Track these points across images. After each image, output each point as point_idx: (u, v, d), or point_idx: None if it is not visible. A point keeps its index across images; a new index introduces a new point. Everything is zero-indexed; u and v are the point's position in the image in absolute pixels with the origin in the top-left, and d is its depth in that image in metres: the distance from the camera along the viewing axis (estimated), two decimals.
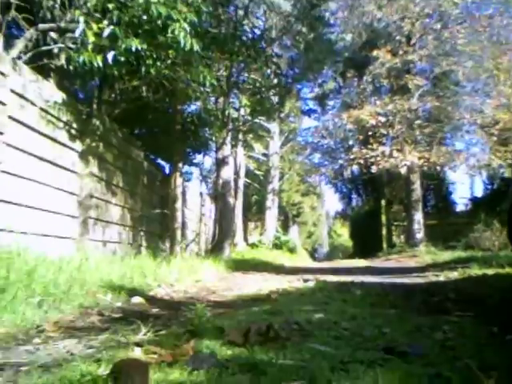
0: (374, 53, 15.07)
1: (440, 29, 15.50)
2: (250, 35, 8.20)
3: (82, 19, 4.91)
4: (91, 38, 4.85)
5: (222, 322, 2.44)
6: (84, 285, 3.86)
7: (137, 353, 1.88)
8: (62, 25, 5.51)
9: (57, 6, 5.73)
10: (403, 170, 16.76)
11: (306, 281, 5.61)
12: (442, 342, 2.12)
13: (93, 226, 6.17)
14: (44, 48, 5.56)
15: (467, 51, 15.42)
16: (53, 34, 5.89)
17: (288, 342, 2.01)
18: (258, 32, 8.73)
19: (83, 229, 5.98)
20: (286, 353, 1.83)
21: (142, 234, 8.40)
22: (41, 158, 4.98)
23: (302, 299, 3.86)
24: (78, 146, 5.92)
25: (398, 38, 15.87)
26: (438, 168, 16.46)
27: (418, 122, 16.43)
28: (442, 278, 6.48)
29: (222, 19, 7.54)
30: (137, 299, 3.99)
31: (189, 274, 6.45)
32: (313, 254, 31.76)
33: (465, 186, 73.54)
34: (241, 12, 7.94)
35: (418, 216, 17.64)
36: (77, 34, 4.95)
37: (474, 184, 28.85)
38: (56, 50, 5.94)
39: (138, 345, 2.01)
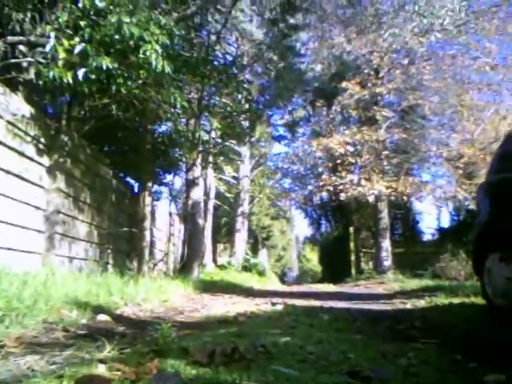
0: (343, 84, 15.52)
1: (407, 64, 16.10)
2: (222, 60, 8.38)
3: (52, 34, 4.95)
4: (62, 54, 4.90)
5: (188, 343, 2.45)
6: (49, 300, 3.81)
7: (100, 369, 1.89)
8: (32, 39, 5.55)
9: (27, 19, 5.76)
10: (371, 199, 17.10)
11: (274, 304, 5.64)
12: (405, 367, 2.18)
13: (59, 242, 6.13)
14: (13, 61, 5.57)
15: (433, 87, 16.09)
16: (22, 48, 5.91)
17: (253, 364, 2.04)
18: (229, 58, 8.93)
19: (49, 244, 5.93)
20: (251, 374, 1.86)
21: (109, 251, 8.34)
22: (7, 172, 4.96)
23: (269, 322, 3.88)
24: (46, 160, 5.92)
25: (366, 70, 16.37)
26: (405, 198, 16.83)
27: (385, 152, 16.85)
28: (408, 306, 6.57)
29: (195, 43, 7.71)
30: (102, 317, 3.96)
31: (156, 294, 6.40)
32: (282, 277, 31.76)
33: (432, 216, 74.95)
34: (213, 37, 8.13)
35: (386, 244, 17.95)
36: (47, 49, 4.99)
37: (441, 214, 29.45)
38: (25, 64, 5.94)
39: (101, 362, 2.02)
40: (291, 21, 8.20)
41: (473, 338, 3.23)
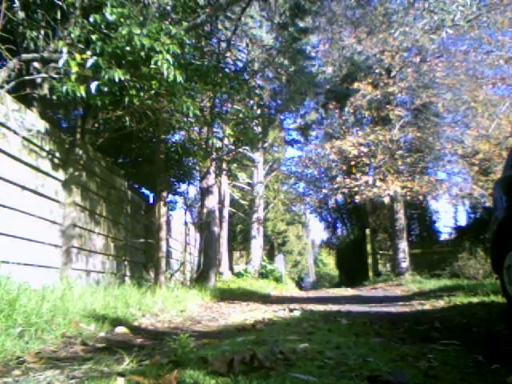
0: (355, 85, 15.44)
1: (419, 62, 15.98)
2: (233, 67, 8.35)
3: (65, 50, 4.98)
4: (74, 69, 4.91)
5: (206, 352, 2.43)
6: (67, 314, 3.83)
7: (119, 383, 1.87)
8: (45, 55, 5.58)
9: (40, 36, 5.81)
10: (387, 200, 16.95)
11: (291, 310, 5.60)
12: (425, 370, 2.13)
13: (76, 256, 6.13)
14: (27, 78, 5.61)
15: (446, 84, 15.95)
16: (36, 64, 5.97)
17: (272, 372, 2.01)
18: (240, 64, 8.89)
19: (66, 258, 5.93)
20: (270, 382, 1.84)
21: (125, 263, 8.34)
22: (23, 187, 4.98)
23: (287, 329, 3.86)
24: (61, 175, 5.94)
25: (378, 70, 16.32)
26: (421, 197, 16.67)
27: (399, 152, 16.73)
28: (427, 307, 6.52)
29: (205, 51, 7.71)
30: (121, 329, 3.97)
31: (173, 304, 6.41)
32: (299, 283, 31.64)
33: (448, 215, 74.47)
34: (224, 44, 8.12)
35: (403, 245, 17.77)
36: (60, 64, 5.01)
37: (458, 213, 29.16)
38: (39, 80, 6.00)
39: (121, 375, 2.00)
40: (301, 24, 8.17)
41: (494, 339, 3.16)
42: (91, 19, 5.17)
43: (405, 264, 17.43)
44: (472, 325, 3.84)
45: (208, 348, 2.71)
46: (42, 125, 5.42)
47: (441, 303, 6.76)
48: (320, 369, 2.10)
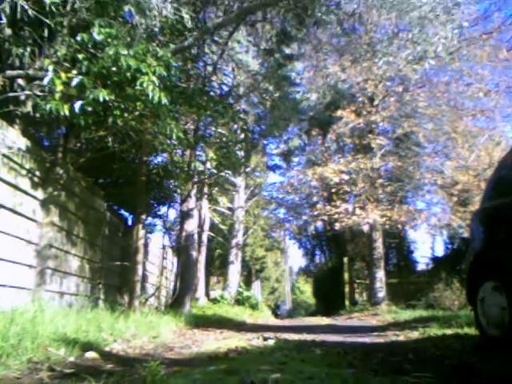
0: (338, 112, 15.63)
1: (401, 91, 16.32)
2: (218, 91, 8.40)
3: (51, 68, 4.93)
4: (59, 87, 4.85)
5: (176, 381, 2.39)
6: (36, 338, 3.68)
7: None
8: (31, 72, 5.51)
9: (26, 53, 5.74)
10: (366, 228, 17.05)
11: (265, 339, 5.55)
12: None
13: (50, 277, 5.96)
14: (11, 94, 5.53)
15: (427, 114, 16.30)
16: (20, 81, 5.89)
17: None
18: (225, 88, 8.96)
19: (40, 279, 5.76)
20: None
21: (100, 286, 8.16)
22: (0, 205, 4.84)
23: (260, 358, 3.82)
24: (40, 194, 5.81)
25: (361, 98, 16.61)
26: (400, 226, 16.84)
27: (380, 180, 16.91)
28: (401, 338, 6.52)
29: (191, 74, 7.73)
30: (91, 354, 3.86)
31: (147, 330, 6.28)
32: (275, 310, 31.40)
33: (426, 245, 75.14)
34: (210, 68, 8.17)
35: (380, 274, 17.79)
36: (45, 82, 4.95)
37: (435, 243, 29.44)
38: (23, 97, 5.91)
39: None
40: (286, 51, 8.28)
41: (466, 371, 3.15)
42: (78, 38, 5.14)
43: (381, 294, 17.44)
44: (445, 357, 3.84)
45: (178, 376, 2.68)
46: (24, 142, 5.31)
47: (415, 334, 6.77)
48: None
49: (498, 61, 15.32)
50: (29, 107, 5.97)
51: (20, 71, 5.58)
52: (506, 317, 4.19)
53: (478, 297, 4.69)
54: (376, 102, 17.04)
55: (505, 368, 3.18)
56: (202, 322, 9.47)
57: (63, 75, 4.96)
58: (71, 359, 3.58)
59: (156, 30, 6.23)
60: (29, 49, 5.79)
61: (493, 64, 15.48)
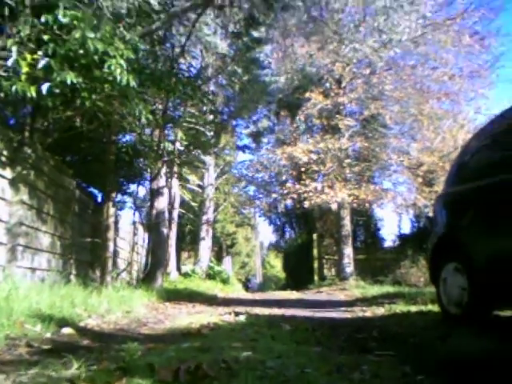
0: (307, 94, 15.80)
1: (369, 74, 16.56)
2: (187, 73, 8.45)
3: (14, 48, 4.88)
4: (25, 69, 4.85)
5: (153, 359, 2.48)
6: (11, 315, 3.79)
7: None
8: None
9: None
10: (334, 206, 17.43)
11: (237, 314, 5.63)
12: (358, 382, 2.27)
13: (21, 254, 6.09)
14: None
15: (394, 96, 16.61)
16: None
17: (215, 382, 2.12)
18: (194, 70, 9.01)
19: (11, 256, 5.88)
20: None
21: (72, 262, 8.29)
22: None
23: (231, 335, 3.91)
24: (9, 173, 5.89)
25: (329, 81, 16.78)
26: (367, 205, 17.24)
27: (347, 160, 17.22)
28: (368, 314, 6.69)
29: (159, 56, 7.77)
30: (67, 330, 3.95)
31: (120, 305, 6.42)
32: (246, 284, 31.85)
33: (393, 223, 76.64)
34: (177, 50, 8.21)
35: (348, 250, 18.26)
36: (9, 63, 4.93)
37: (402, 221, 30.16)
38: None
39: (70, 381, 2.04)
40: (255, 34, 8.37)
41: (424, 349, 3.31)
42: (43, 19, 5.05)
43: (349, 269, 17.93)
44: (408, 335, 3.98)
45: (154, 354, 2.76)
46: None
47: (381, 310, 6.96)
48: (260, 379, 2.21)
49: (462, 46, 15.69)
50: None
51: None
52: (465, 297, 4.50)
53: (440, 277, 4.96)
54: (343, 84, 17.24)
55: (462, 347, 3.34)
56: (174, 296, 9.58)
57: (28, 56, 4.94)
58: (48, 335, 3.67)
59: (123, 12, 6.26)
60: None
61: (456, 49, 15.85)
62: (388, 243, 24.15)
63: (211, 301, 9.68)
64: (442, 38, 15.14)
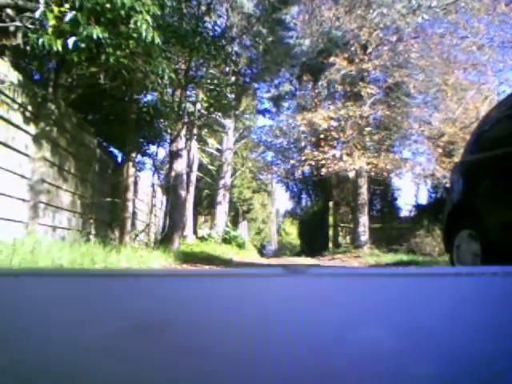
0: (331, 59, 15.47)
1: (395, 41, 16.12)
2: (211, 32, 8.29)
3: (42, 0, 4.86)
4: (52, 22, 4.80)
5: None
6: None
7: None
8: (20, 2, 5.41)
9: None
10: (352, 174, 17.32)
11: None
12: None
13: (43, 211, 6.14)
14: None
15: (419, 65, 16.21)
16: (9, 11, 5.77)
17: None
18: (218, 30, 8.82)
19: (33, 213, 5.93)
20: None
21: (91, 221, 8.36)
22: None
23: None
24: (32, 129, 5.87)
25: (354, 46, 16.38)
26: (385, 174, 17.10)
27: (368, 128, 17.00)
28: None
29: (185, 13, 7.61)
30: None
31: (137, 264, 6.49)
32: (261, 250, 32.15)
33: (410, 193, 76.17)
34: (203, 8, 8.03)
35: (364, 219, 18.23)
36: (37, 15, 4.89)
37: (419, 191, 29.88)
38: (12, 29, 5.82)
39: None
40: None
41: None
42: None
43: (364, 237, 17.94)
44: None
45: None
46: (15, 76, 5.33)
47: None
48: None
49: (496, 14, 15.07)
50: (19, 40, 5.88)
51: (9, 0, 5.46)
52: (478, 263, 4.47)
53: (454, 244, 4.94)
54: (369, 50, 16.83)
55: None
56: (191, 259, 9.71)
57: (55, 9, 4.89)
58: None
59: None
60: None
61: (490, 18, 15.25)
62: (404, 213, 24.04)
63: (226, 264, 9.81)
64: (476, 5, 14.57)
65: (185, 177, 12.31)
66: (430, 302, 0.87)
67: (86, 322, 0.70)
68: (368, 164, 16.48)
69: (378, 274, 1.29)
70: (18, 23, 5.53)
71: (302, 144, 19.26)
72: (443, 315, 0.76)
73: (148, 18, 5.15)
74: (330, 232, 21.32)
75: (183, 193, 11.92)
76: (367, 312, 0.79)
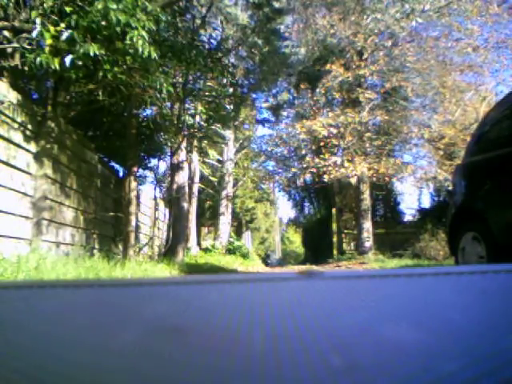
0: (327, 66, 15.54)
1: (390, 46, 16.20)
2: (207, 45, 8.36)
3: (38, 20, 4.93)
4: (48, 41, 4.88)
5: None
6: None
7: None
8: (17, 24, 5.49)
9: (11, 4, 5.67)
10: (353, 180, 17.31)
11: None
12: None
13: (46, 228, 6.17)
14: None
15: (416, 68, 16.24)
16: (6, 33, 5.85)
17: None
18: (214, 42, 8.90)
19: (37, 230, 5.97)
20: None
21: (95, 236, 8.39)
22: None
23: None
24: (33, 147, 5.93)
25: (350, 53, 16.45)
26: (387, 179, 17.07)
27: (367, 134, 17.00)
28: None
29: (180, 28, 7.69)
30: None
31: (142, 278, 6.52)
32: (265, 259, 32.06)
33: (412, 197, 76.07)
34: (198, 21, 8.10)
35: (367, 225, 18.17)
36: (33, 35, 4.96)
37: (422, 195, 29.86)
38: (10, 50, 5.90)
39: None
40: (276, 5, 8.20)
41: None
42: None
43: (368, 243, 17.87)
44: None
45: None
46: (14, 96, 5.39)
47: None
48: None
49: (489, 16, 15.18)
50: (17, 60, 5.96)
51: (5, 23, 5.53)
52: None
53: (459, 247, 4.95)
54: (365, 56, 16.88)
55: None
56: (195, 270, 9.71)
57: (52, 28, 4.97)
58: None
59: None
60: None
61: (483, 19, 15.35)
62: (407, 217, 23.99)
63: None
64: (468, 7, 14.68)
65: (187, 189, 12.35)
66: (451, 301, 0.88)
67: (105, 327, 0.73)
68: (369, 169, 16.46)
69: (393, 275, 1.31)
70: (15, 44, 5.62)
71: (303, 152, 19.25)
72: (466, 314, 0.77)
73: (144, 33, 5.21)
74: (334, 239, 21.25)
75: (186, 204, 11.95)
76: (387, 312, 0.80)
